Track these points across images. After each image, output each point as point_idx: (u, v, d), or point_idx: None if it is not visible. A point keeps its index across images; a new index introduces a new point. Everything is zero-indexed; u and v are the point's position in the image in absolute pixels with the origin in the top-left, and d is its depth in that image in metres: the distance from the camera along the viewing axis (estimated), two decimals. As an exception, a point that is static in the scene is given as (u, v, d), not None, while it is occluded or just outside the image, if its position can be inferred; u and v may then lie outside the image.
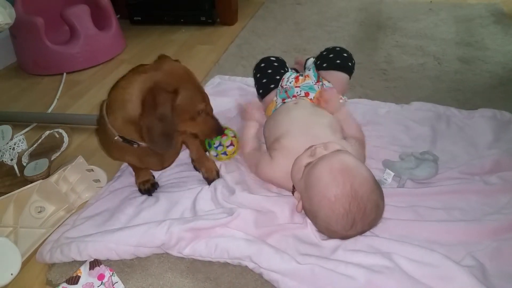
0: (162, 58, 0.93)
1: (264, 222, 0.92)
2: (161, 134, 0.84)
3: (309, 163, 0.90)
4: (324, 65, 1.22)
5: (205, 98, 0.92)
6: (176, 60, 0.94)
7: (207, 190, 1.04)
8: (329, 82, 1.21)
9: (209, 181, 1.08)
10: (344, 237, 0.86)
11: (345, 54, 1.22)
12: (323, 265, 0.79)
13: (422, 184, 1.03)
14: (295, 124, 1.06)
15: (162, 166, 1.07)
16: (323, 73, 1.22)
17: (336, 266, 0.79)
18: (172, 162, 1.11)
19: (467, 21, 2.15)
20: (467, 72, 1.63)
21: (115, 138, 0.90)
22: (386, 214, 0.93)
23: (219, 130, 0.99)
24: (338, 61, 1.20)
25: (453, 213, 0.93)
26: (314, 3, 2.59)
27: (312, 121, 1.07)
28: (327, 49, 1.24)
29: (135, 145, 0.93)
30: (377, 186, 0.86)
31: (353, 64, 1.24)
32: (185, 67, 0.92)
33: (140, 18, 2.42)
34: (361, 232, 0.86)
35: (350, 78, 1.24)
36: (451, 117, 1.29)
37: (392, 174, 1.04)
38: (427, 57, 1.78)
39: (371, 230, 0.88)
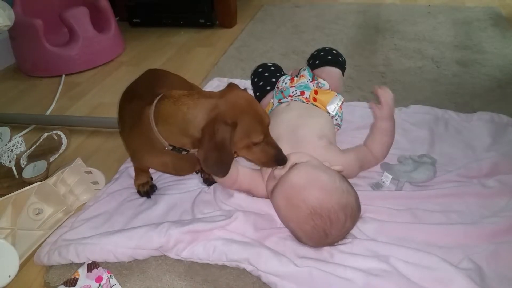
0: (231, 86, 0.91)
1: (262, 225, 0.92)
2: (216, 161, 0.84)
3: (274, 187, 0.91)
4: (317, 62, 1.28)
5: (264, 130, 0.89)
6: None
7: (206, 192, 1.04)
8: (324, 80, 1.23)
9: (209, 183, 1.08)
10: (329, 245, 0.86)
11: (334, 51, 1.28)
12: (321, 268, 0.79)
13: (420, 187, 1.03)
14: (283, 128, 1.05)
15: (193, 170, 1.08)
16: (317, 71, 1.26)
17: (334, 269, 0.79)
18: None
19: (465, 24, 2.16)
20: (465, 75, 1.64)
21: (166, 148, 0.90)
22: (384, 217, 0.93)
23: (280, 161, 0.91)
24: (329, 57, 1.27)
25: (451, 216, 0.93)
26: (313, 6, 2.59)
27: (299, 123, 1.06)
28: (317, 50, 1.32)
29: (184, 153, 0.93)
30: (336, 186, 0.84)
31: (344, 61, 1.29)
32: (251, 97, 0.90)
33: (139, 20, 2.42)
34: (344, 233, 0.86)
35: (343, 75, 1.30)
36: (449, 120, 1.29)
37: (390, 177, 1.05)
38: (426, 60, 1.79)
39: (363, 231, 0.89)
